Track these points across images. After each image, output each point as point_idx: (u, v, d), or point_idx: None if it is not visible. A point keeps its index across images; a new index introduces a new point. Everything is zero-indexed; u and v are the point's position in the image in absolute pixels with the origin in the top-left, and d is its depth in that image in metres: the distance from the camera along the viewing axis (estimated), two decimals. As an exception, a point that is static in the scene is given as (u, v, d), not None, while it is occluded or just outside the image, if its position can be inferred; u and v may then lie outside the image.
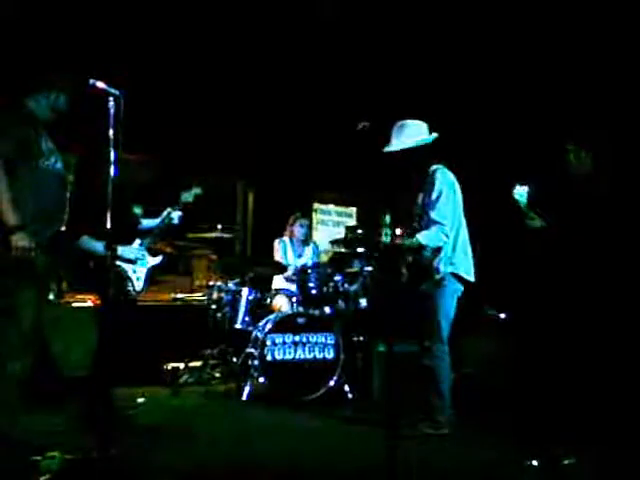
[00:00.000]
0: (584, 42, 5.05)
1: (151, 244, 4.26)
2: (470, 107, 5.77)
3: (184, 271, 6.88)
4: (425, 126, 3.82)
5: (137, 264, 4.10)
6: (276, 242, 5.84)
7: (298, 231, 5.83)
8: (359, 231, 5.66)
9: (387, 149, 3.78)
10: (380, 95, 5.80)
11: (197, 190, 4.47)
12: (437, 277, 3.72)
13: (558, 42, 5.17)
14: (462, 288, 3.78)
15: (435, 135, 3.78)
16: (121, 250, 3.92)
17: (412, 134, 3.75)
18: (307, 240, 5.97)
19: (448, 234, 3.68)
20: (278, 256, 5.74)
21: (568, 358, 4.73)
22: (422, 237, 3.66)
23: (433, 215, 3.66)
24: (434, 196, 3.67)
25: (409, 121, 3.81)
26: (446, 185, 3.71)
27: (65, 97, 3.25)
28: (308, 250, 5.89)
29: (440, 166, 3.80)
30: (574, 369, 4.60)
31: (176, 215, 4.31)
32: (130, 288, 4.04)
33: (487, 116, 5.80)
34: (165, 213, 4.29)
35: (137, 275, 4.12)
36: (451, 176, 3.77)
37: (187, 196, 4.43)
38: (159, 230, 4.27)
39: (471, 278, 3.79)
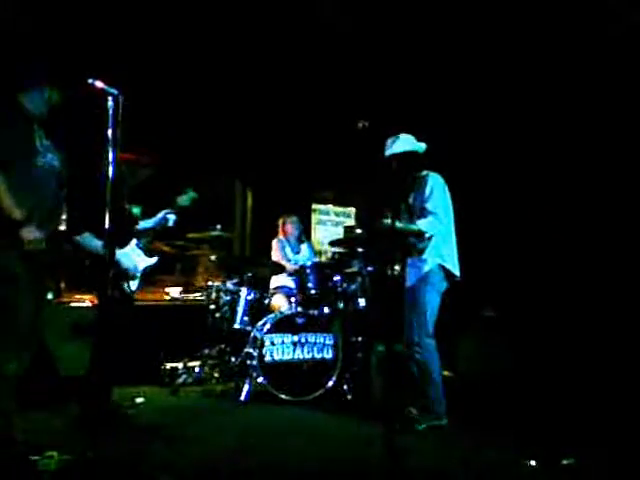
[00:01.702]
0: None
1: (147, 244, 4.28)
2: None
3: (183, 271, 6.87)
4: (413, 138, 4.17)
5: (130, 275, 4.11)
6: (274, 242, 5.88)
7: (291, 228, 5.90)
8: (358, 231, 5.67)
9: (385, 153, 4.11)
10: (379, 94, 5.80)
11: (193, 194, 4.51)
12: (425, 269, 3.93)
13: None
14: (447, 285, 4.00)
15: (424, 145, 4.13)
16: (118, 255, 3.92)
17: (405, 143, 4.10)
18: (302, 237, 6.01)
19: (442, 221, 3.95)
20: (276, 256, 5.76)
21: (566, 358, 4.75)
22: (422, 224, 3.91)
23: (428, 207, 3.94)
24: (427, 192, 3.98)
25: (401, 134, 4.16)
26: (438, 184, 4.03)
27: (58, 93, 3.22)
28: (304, 247, 5.92)
29: (431, 172, 4.10)
30: (572, 369, 4.61)
31: (171, 218, 4.36)
32: (125, 287, 4.05)
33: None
34: (161, 215, 4.33)
35: (132, 273, 4.12)
36: (441, 179, 4.08)
37: (184, 200, 4.46)
38: (154, 231, 4.31)
39: (457, 273, 4.01)
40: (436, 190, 3.96)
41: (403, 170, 4.06)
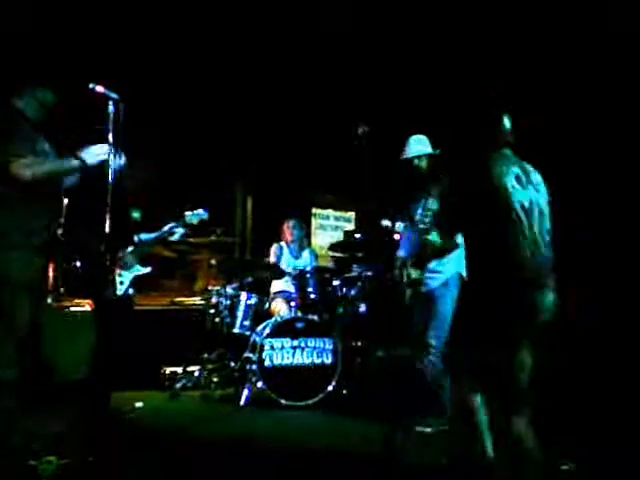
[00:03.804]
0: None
1: (144, 253, 4.28)
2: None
3: (183, 275, 6.88)
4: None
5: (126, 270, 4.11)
6: (274, 246, 5.87)
7: (290, 233, 5.87)
8: (357, 235, 5.67)
9: (406, 155, 4.10)
10: (378, 100, 5.81)
11: (203, 215, 4.55)
12: (446, 276, 3.93)
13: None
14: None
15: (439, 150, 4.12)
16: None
17: (427, 144, 4.12)
18: (303, 243, 5.98)
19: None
20: (272, 261, 5.77)
21: (567, 360, 4.74)
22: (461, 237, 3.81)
23: None
24: None
25: (422, 135, 4.17)
26: None
27: (53, 96, 3.20)
28: (305, 253, 5.91)
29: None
30: (573, 373, 4.60)
31: (179, 232, 4.39)
32: (110, 291, 4.03)
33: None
34: (166, 228, 4.34)
35: (121, 279, 4.12)
36: None
37: (192, 218, 4.50)
38: (155, 242, 4.33)
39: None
40: None
41: (428, 172, 4.05)
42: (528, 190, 2.82)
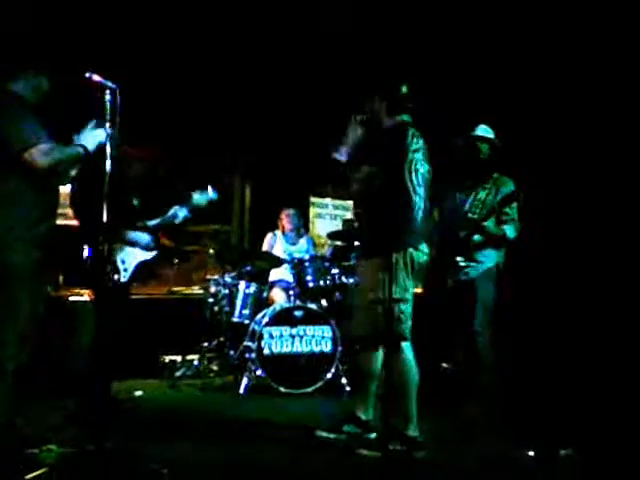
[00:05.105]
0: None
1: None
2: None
3: (181, 264, 6.86)
4: None
5: (130, 254, 4.09)
6: (268, 235, 5.88)
7: (287, 222, 5.86)
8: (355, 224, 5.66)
9: (473, 132, 4.17)
10: (376, 87, 5.77)
11: (212, 195, 4.31)
12: (488, 265, 4.02)
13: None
14: None
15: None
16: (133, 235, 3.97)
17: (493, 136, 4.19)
18: (300, 230, 5.98)
19: (519, 230, 4.06)
20: (265, 249, 5.78)
21: (562, 349, 4.76)
22: (509, 230, 4.00)
23: (512, 213, 4.03)
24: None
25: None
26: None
27: (48, 80, 3.15)
28: (302, 241, 5.91)
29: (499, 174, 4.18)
30: (568, 360, 4.63)
31: (181, 215, 4.23)
32: (115, 277, 3.99)
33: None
34: (171, 212, 4.22)
35: (125, 266, 4.08)
36: None
37: (200, 199, 4.28)
38: (159, 227, 4.26)
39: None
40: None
41: (486, 159, 4.12)
42: (425, 161, 3.25)
